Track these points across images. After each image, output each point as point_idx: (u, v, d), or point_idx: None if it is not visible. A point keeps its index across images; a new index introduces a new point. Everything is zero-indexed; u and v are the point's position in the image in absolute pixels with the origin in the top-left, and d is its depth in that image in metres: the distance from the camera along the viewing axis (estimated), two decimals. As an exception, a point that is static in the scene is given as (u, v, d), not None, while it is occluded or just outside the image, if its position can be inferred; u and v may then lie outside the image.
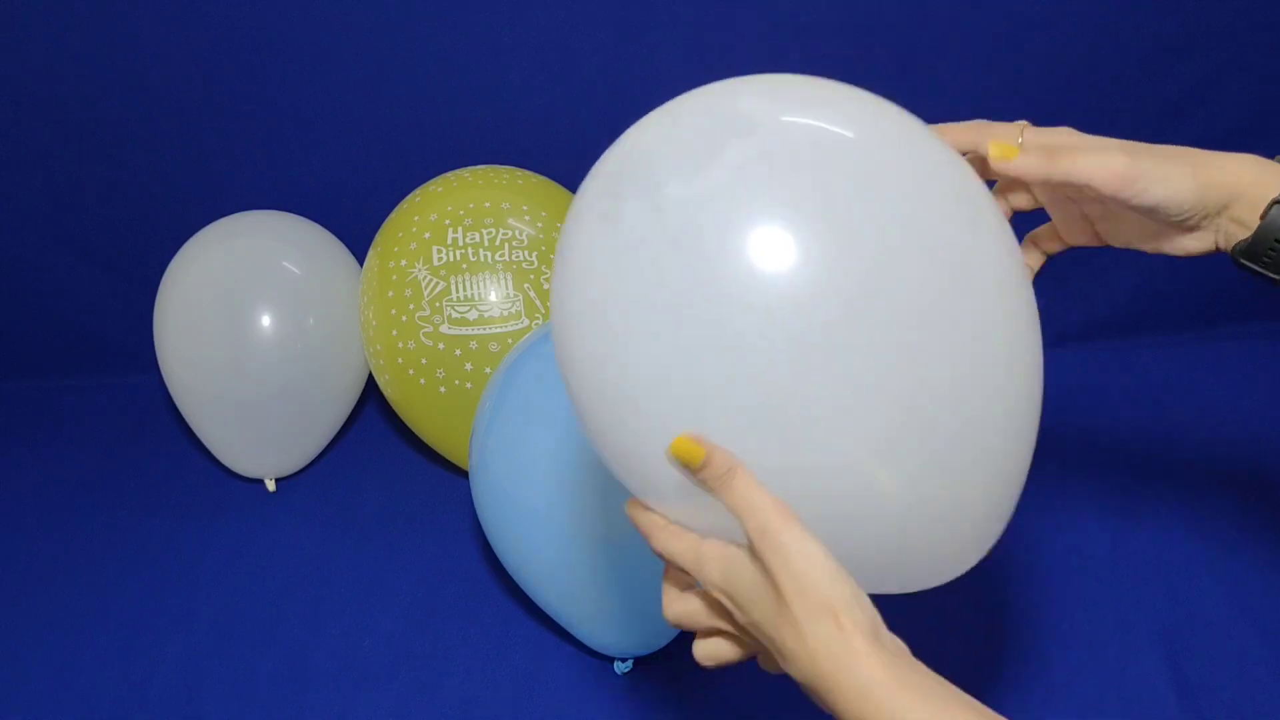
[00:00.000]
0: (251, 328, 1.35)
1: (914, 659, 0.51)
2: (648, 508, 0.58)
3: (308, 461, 1.48)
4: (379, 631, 1.22)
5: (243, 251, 1.40)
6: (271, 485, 1.45)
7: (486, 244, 1.29)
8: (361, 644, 1.21)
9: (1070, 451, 1.35)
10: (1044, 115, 1.44)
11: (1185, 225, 0.59)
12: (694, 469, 0.50)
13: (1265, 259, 0.58)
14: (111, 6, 1.44)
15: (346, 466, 1.50)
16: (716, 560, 0.54)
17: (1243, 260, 0.59)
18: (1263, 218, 0.57)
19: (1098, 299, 1.55)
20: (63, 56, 1.48)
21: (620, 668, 1.13)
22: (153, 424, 1.60)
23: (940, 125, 0.61)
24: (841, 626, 0.49)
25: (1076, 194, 0.63)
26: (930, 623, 1.15)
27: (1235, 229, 0.59)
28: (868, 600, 0.52)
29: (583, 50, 1.45)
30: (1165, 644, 1.10)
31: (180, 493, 1.47)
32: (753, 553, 0.52)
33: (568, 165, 1.46)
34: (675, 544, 0.56)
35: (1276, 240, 0.57)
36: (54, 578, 1.35)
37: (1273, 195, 0.57)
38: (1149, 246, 0.63)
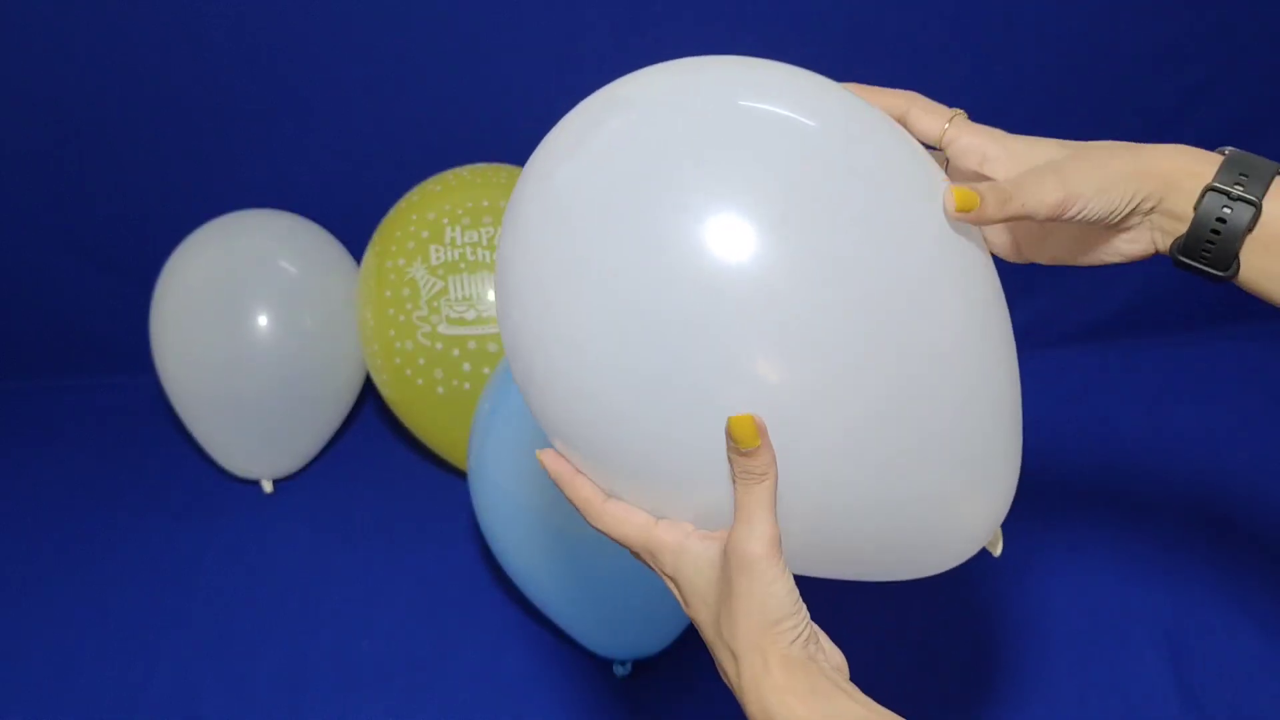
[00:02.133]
0: (248, 327, 1.35)
1: (842, 685, 0.51)
2: (577, 471, 0.55)
3: (305, 462, 1.48)
4: (377, 633, 1.22)
5: (239, 251, 1.39)
6: (268, 486, 1.45)
7: (485, 243, 1.29)
8: (360, 645, 1.21)
9: (1071, 450, 1.35)
10: (1044, 116, 1.44)
11: (1121, 226, 0.56)
12: (738, 451, 0.49)
13: (1204, 254, 0.55)
14: (111, 6, 1.44)
15: (344, 467, 1.49)
16: (672, 552, 0.53)
17: (1182, 258, 0.56)
18: (1196, 208, 0.54)
19: (1099, 300, 1.55)
20: (62, 56, 1.48)
21: (619, 670, 1.13)
22: (150, 424, 1.59)
23: (868, 87, 0.58)
24: (767, 659, 0.50)
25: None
26: (930, 624, 1.15)
27: (1170, 223, 0.55)
28: (805, 632, 0.52)
29: (581, 48, 1.44)
30: (1168, 645, 1.10)
31: (177, 494, 1.47)
32: (725, 556, 0.51)
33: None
34: (624, 527, 0.54)
35: (1213, 230, 0.54)
36: (52, 578, 1.35)
37: (1205, 183, 0.54)
38: (1081, 260, 0.60)
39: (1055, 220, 0.55)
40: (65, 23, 1.45)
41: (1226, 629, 1.12)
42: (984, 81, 1.40)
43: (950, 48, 1.39)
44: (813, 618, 0.53)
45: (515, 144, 1.50)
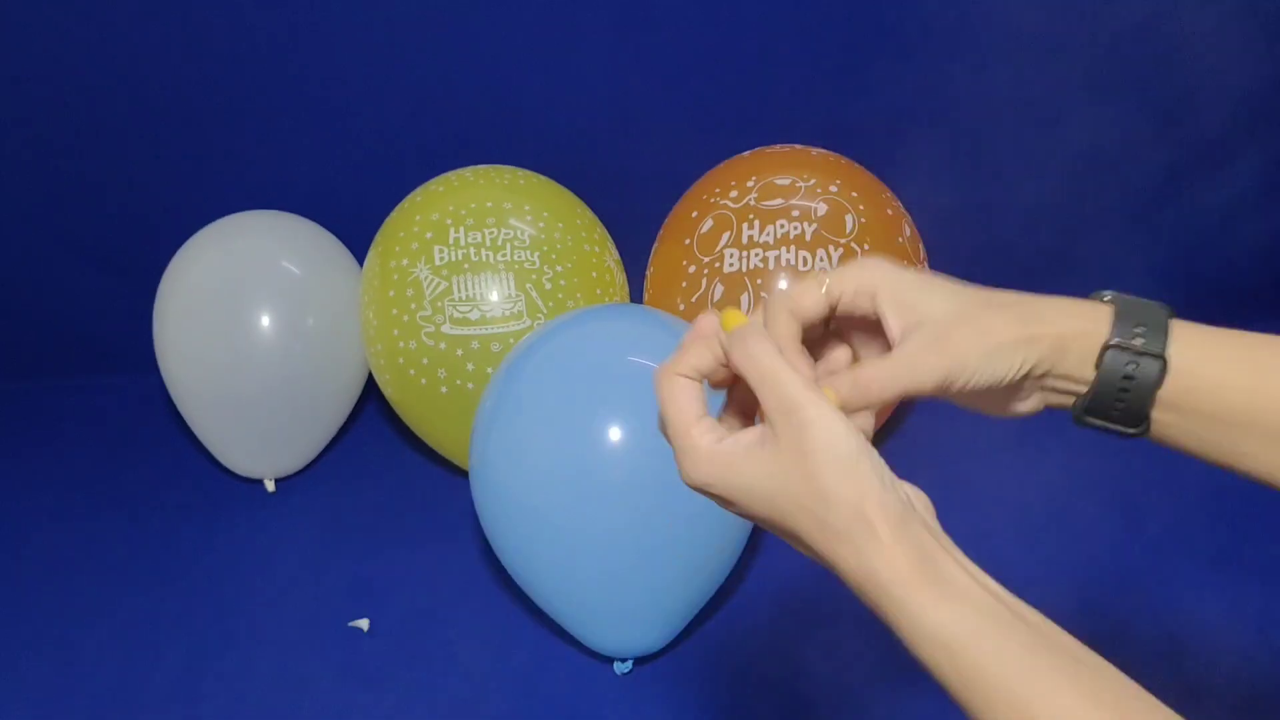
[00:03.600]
0: (251, 328, 1.35)
1: (941, 540, 0.48)
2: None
3: (307, 462, 1.48)
4: (378, 632, 1.22)
5: (242, 251, 1.39)
6: (271, 485, 1.45)
7: (488, 244, 1.29)
8: (360, 645, 1.21)
9: (1071, 454, 1.35)
10: (1044, 116, 1.44)
11: (1010, 388, 0.54)
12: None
13: (1115, 412, 0.53)
14: (111, 6, 1.44)
15: (346, 467, 1.49)
16: (719, 471, 0.49)
17: (1089, 419, 0.54)
18: (1098, 367, 0.52)
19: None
20: (63, 56, 1.48)
21: (620, 668, 1.13)
22: (152, 424, 1.59)
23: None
24: (868, 521, 0.46)
25: None
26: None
27: (1068, 385, 0.53)
28: (887, 472, 0.48)
29: (584, 50, 1.45)
30: (1168, 645, 1.10)
31: (180, 493, 1.47)
32: (771, 429, 0.48)
33: (569, 165, 1.45)
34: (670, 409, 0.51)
35: (1121, 389, 0.52)
36: (53, 577, 1.35)
37: (1102, 341, 0.52)
38: (982, 410, 0.57)
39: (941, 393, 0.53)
40: (65, 23, 1.45)
41: (1227, 633, 1.12)
42: (984, 81, 1.40)
43: (950, 48, 1.39)
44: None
45: (517, 145, 1.50)
